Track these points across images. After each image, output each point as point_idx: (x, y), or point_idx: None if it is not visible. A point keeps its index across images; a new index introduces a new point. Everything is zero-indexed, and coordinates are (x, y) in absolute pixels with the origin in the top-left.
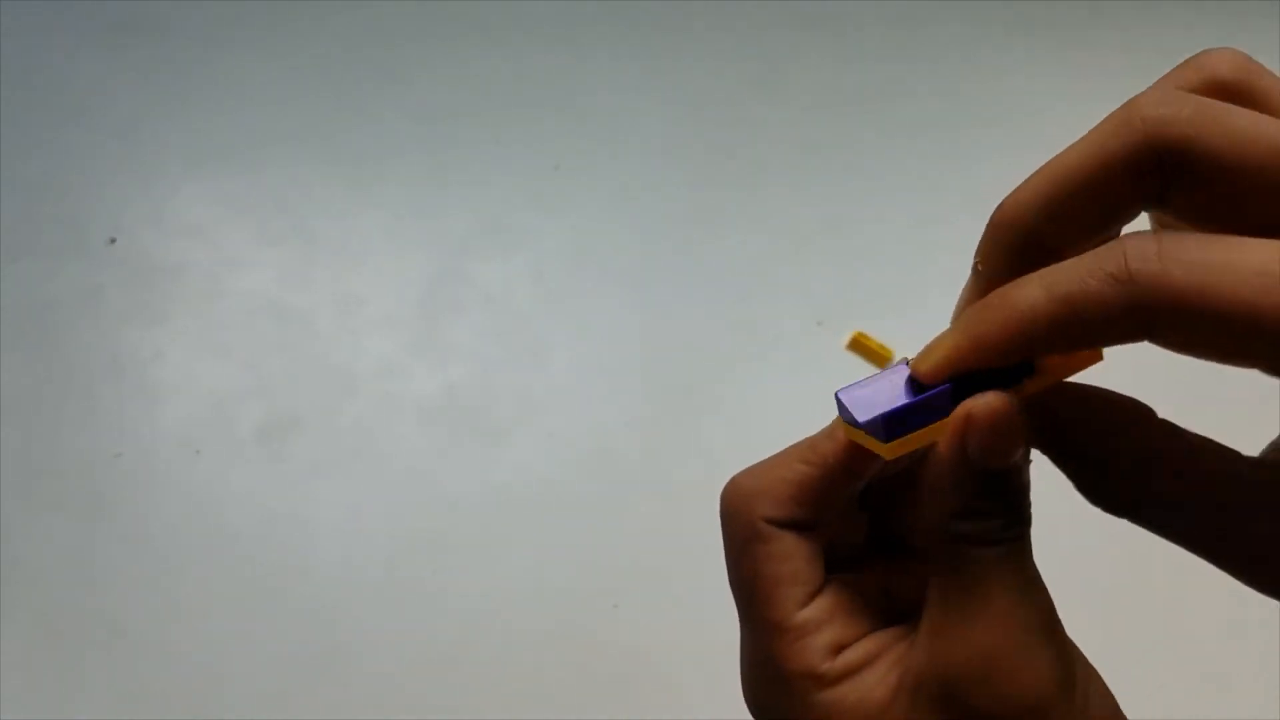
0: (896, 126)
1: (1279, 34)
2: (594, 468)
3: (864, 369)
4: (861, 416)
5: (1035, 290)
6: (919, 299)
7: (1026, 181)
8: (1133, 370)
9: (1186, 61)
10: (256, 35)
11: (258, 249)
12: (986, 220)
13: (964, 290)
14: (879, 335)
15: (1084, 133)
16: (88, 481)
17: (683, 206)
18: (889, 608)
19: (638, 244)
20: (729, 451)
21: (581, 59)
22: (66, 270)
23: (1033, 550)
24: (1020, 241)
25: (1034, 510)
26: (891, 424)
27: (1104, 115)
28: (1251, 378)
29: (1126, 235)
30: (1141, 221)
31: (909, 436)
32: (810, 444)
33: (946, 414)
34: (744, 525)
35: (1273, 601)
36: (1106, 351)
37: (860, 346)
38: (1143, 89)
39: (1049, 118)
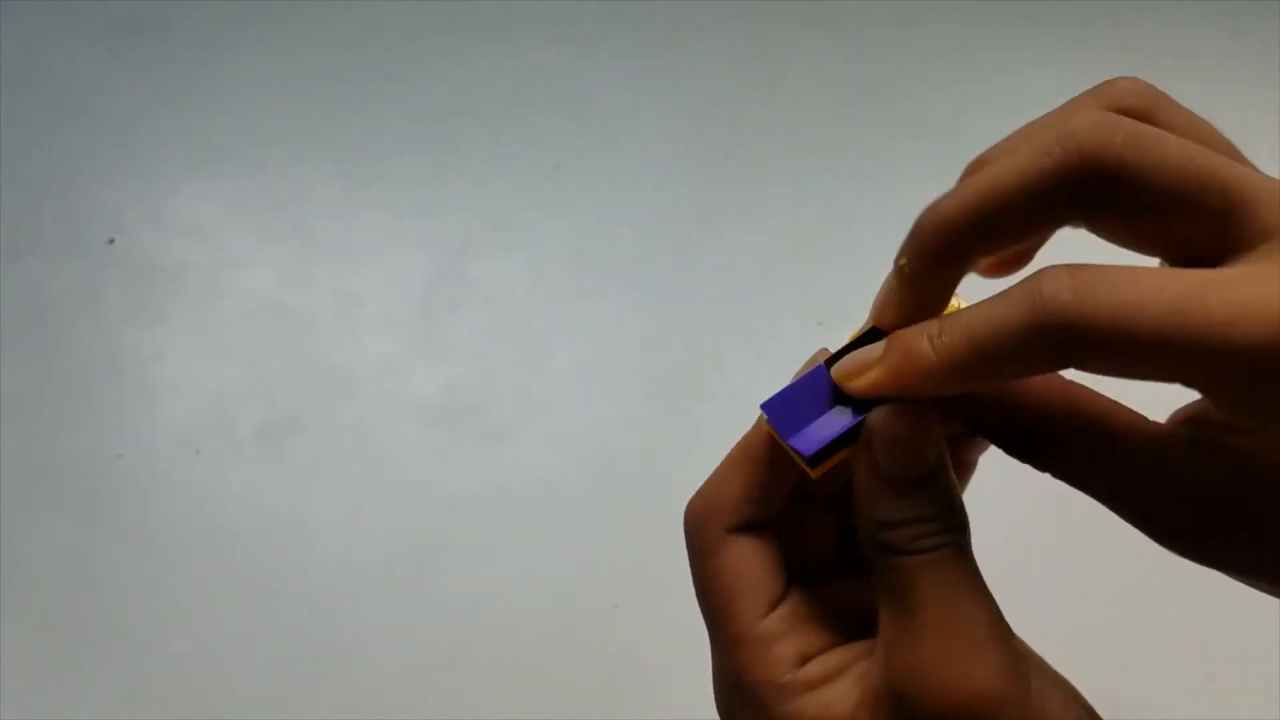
0: (897, 126)
1: (1279, 33)
2: (594, 468)
3: None
4: (794, 442)
5: (958, 340)
6: None
7: (956, 192)
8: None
9: (1097, 87)
10: (256, 35)
11: (258, 249)
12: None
13: (886, 283)
14: None
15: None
16: (88, 482)
17: (683, 206)
18: (858, 620)
19: (638, 244)
20: (729, 451)
21: (581, 59)
22: (66, 270)
23: (974, 553)
24: (946, 249)
25: (1034, 510)
26: (817, 457)
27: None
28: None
29: (1042, 271)
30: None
31: (833, 460)
32: (743, 445)
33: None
34: (698, 540)
35: (1273, 601)
36: None
37: None
38: None
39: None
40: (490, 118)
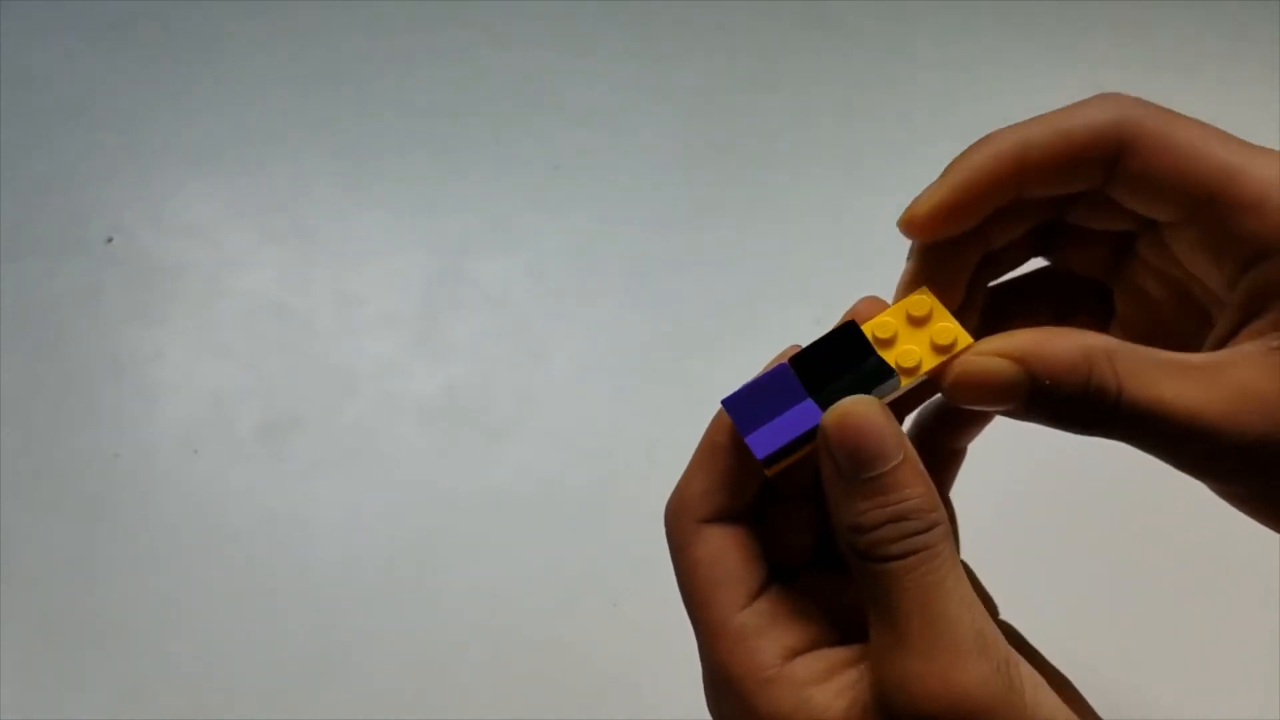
0: (897, 126)
1: (1279, 34)
2: (594, 467)
3: None
4: (750, 440)
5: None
6: None
7: (1012, 128)
8: None
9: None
10: (256, 35)
11: (258, 249)
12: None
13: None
14: None
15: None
16: (87, 481)
17: (683, 206)
18: (839, 614)
19: (638, 244)
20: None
21: (581, 59)
22: (66, 270)
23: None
24: (996, 173)
25: (1034, 512)
26: (771, 459)
27: None
28: None
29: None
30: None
31: (790, 459)
32: (707, 437)
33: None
34: (675, 537)
35: (1272, 600)
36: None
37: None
38: (1145, 90)
39: None
40: (490, 118)
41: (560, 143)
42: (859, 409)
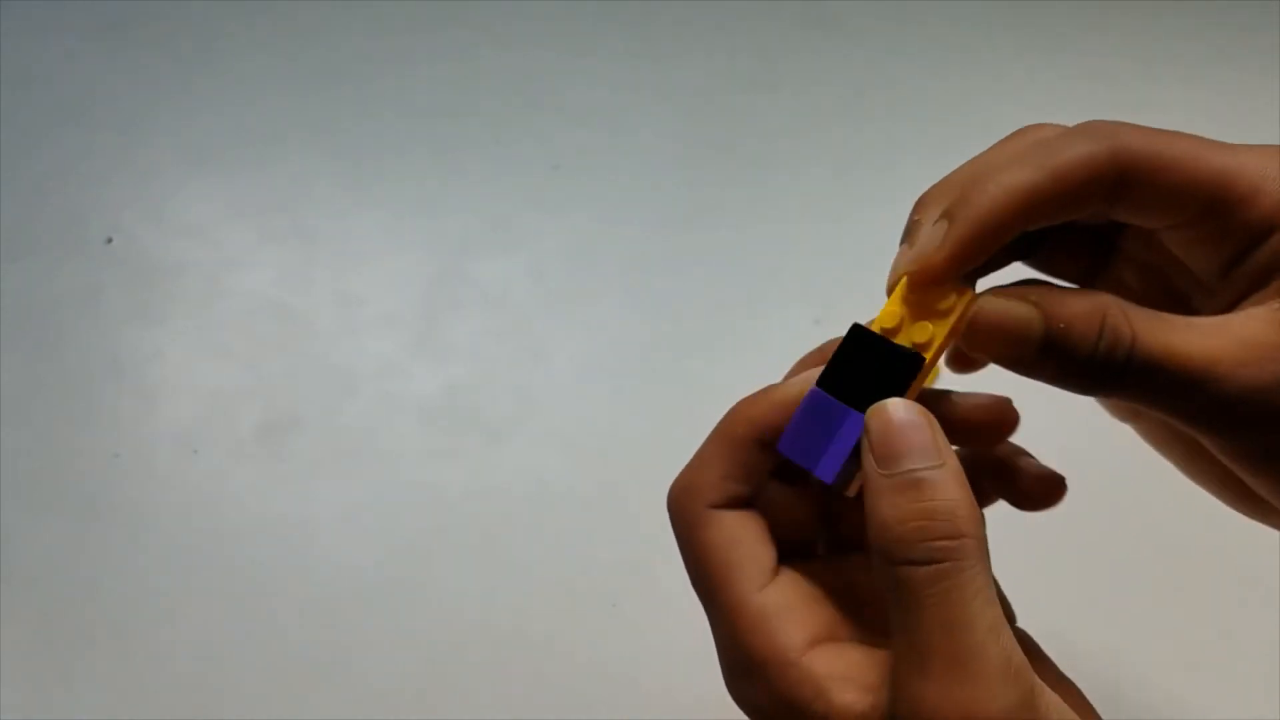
0: (897, 126)
1: (1278, 36)
2: (594, 467)
3: None
4: (818, 473)
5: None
6: None
7: (1008, 170)
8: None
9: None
10: (257, 35)
11: (258, 249)
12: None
13: (916, 245)
14: None
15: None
16: (86, 481)
17: (683, 206)
18: (850, 597)
19: (638, 244)
20: (707, 436)
21: (581, 59)
22: (66, 270)
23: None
24: (999, 217)
25: (1032, 518)
26: (840, 480)
27: (1100, 116)
28: None
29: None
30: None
31: (857, 478)
32: (722, 428)
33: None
34: (687, 519)
35: (1273, 599)
36: None
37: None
38: (1143, 91)
39: (1049, 116)
40: (490, 118)
41: (560, 143)
42: (894, 403)
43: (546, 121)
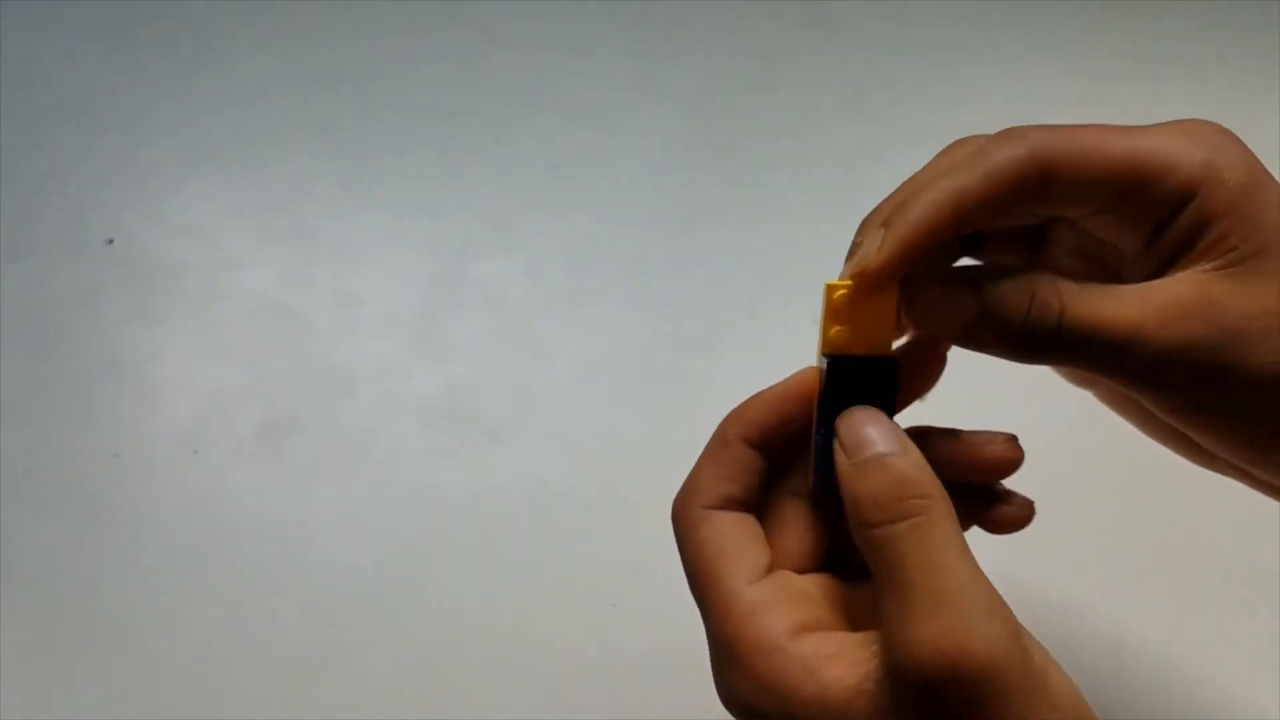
0: (897, 126)
1: (1278, 38)
2: (594, 467)
3: None
4: (819, 489)
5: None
6: None
7: (935, 183)
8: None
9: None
10: (256, 35)
11: (258, 249)
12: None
13: (868, 242)
14: None
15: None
16: (86, 481)
17: (683, 206)
18: (847, 613)
19: (638, 244)
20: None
21: (581, 59)
22: (66, 270)
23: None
24: (933, 230)
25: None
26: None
27: (1101, 117)
28: None
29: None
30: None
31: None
32: (717, 434)
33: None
34: (681, 521)
35: (1274, 601)
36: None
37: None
38: (1144, 92)
39: (1048, 117)
40: (490, 118)
41: (560, 143)
42: (856, 409)
43: (546, 121)
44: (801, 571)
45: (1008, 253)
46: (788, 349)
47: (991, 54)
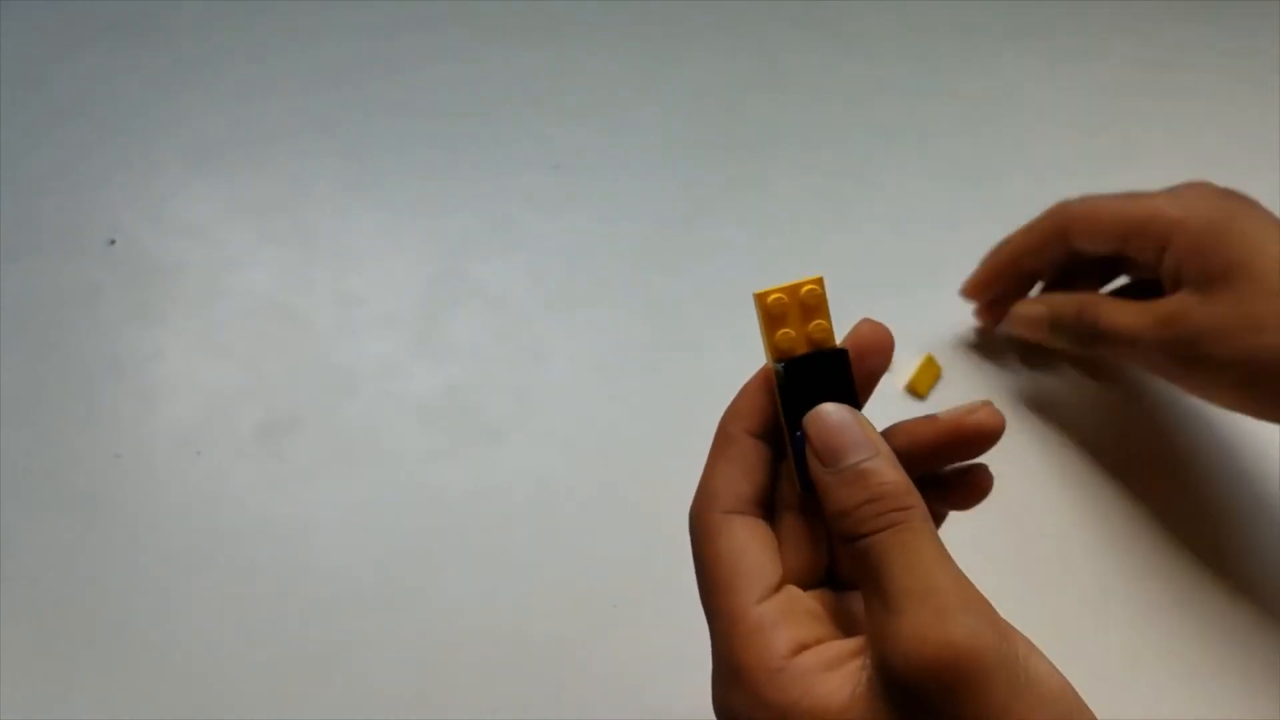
0: (898, 127)
1: (1279, 35)
2: (594, 467)
3: None
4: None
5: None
6: (916, 297)
7: (1007, 242)
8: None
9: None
10: (257, 35)
11: (258, 249)
12: (978, 226)
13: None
14: None
15: (1076, 130)
16: (87, 482)
17: (683, 206)
18: (844, 620)
19: (638, 243)
20: (708, 451)
21: (581, 59)
22: (66, 270)
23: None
24: (1005, 268)
25: (1037, 525)
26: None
27: (1098, 117)
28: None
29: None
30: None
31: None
32: (720, 429)
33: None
34: (700, 526)
35: (1274, 598)
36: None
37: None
38: (1145, 93)
39: (1048, 118)
40: (490, 117)
41: (560, 143)
42: (828, 408)
43: (546, 121)
44: (804, 586)
45: (1093, 280)
46: None
47: (992, 55)
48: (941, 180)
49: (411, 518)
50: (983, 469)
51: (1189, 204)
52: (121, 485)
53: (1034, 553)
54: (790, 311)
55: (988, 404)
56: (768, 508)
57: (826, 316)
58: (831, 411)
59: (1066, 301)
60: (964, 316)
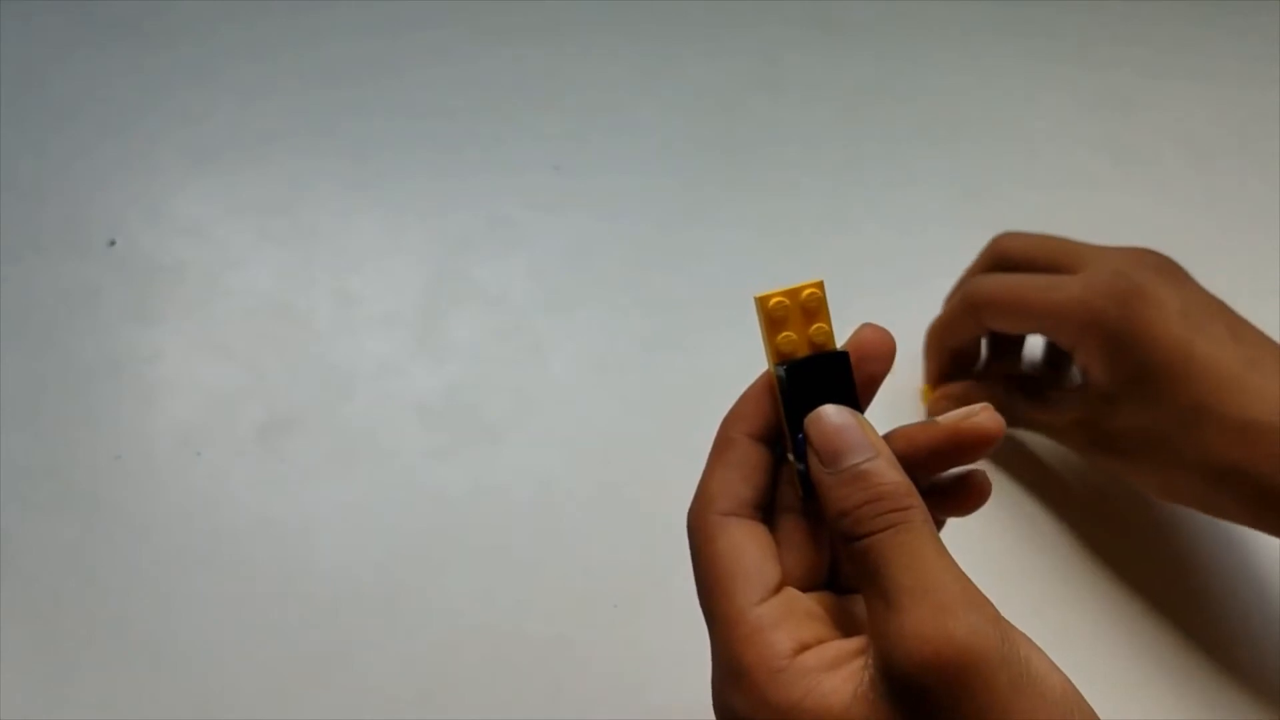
0: (898, 128)
1: (1278, 41)
2: (594, 467)
3: None
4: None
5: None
6: (916, 297)
7: (940, 320)
8: None
9: (986, 247)
10: (257, 35)
11: (258, 249)
12: (978, 227)
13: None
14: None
15: (1076, 131)
16: (88, 482)
17: (683, 206)
18: (844, 622)
19: (638, 243)
20: (708, 453)
21: (581, 59)
22: (66, 270)
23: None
24: (941, 341)
25: (1041, 529)
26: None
27: (1098, 117)
28: None
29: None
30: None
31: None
32: (720, 433)
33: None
34: (698, 528)
35: (1273, 599)
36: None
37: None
38: (1145, 93)
39: (1048, 119)
40: (490, 117)
41: (560, 143)
42: (829, 410)
43: (546, 121)
44: (804, 588)
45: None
46: None
47: (993, 55)
48: (941, 180)
49: (411, 518)
50: (980, 474)
51: (1102, 295)
52: (121, 485)
53: (1035, 552)
54: (791, 315)
55: (986, 408)
56: (766, 511)
57: (827, 320)
58: (833, 413)
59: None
60: None
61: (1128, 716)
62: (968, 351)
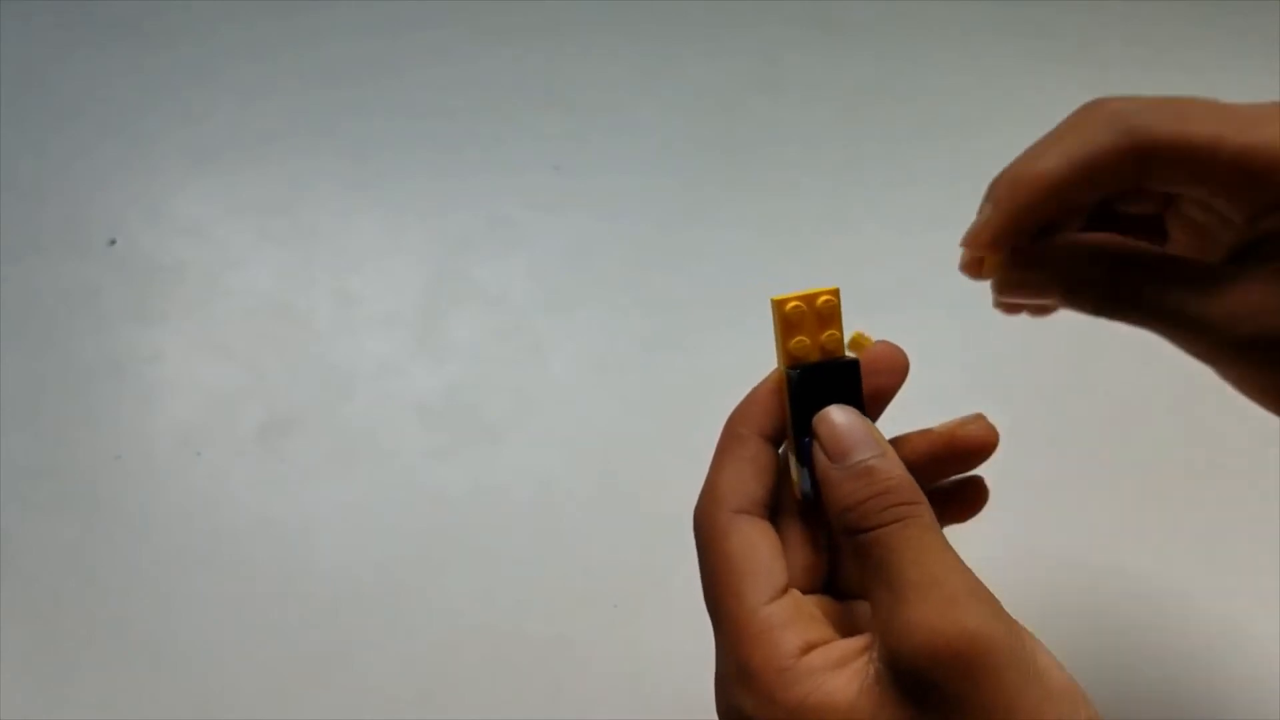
0: (899, 128)
1: (1278, 41)
2: (594, 467)
3: None
4: (803, 491)
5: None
6: (917, 298)
7: (1042, 156)
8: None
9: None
10: (257, 35)
11: (258, 249)
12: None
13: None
14: (876, 333)
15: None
16: (88, 482)
17: (683, 206)
18: (847, 626)
19: (638, 243)
20: (714, 451)
21: (581, 59)
22: (66, 270)
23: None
24: (1039, 199)
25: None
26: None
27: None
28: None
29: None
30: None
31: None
32: (727, 429)
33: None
34: (707, 525)
35: (1274, 600)
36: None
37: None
38: (1145, 91)
39: (1048, 118)
40: (490, 117)
41: (560, 143)
42: (837, 409)
43: (546, 121)
44: (803, 591)
45: (1135, 225)
46: None
47: (993, 55)
48: (941, 180)
49: (411, 518)
50: (978, 481)
51: None
52: (121, 485)
53: (1032, 555)
54: (806, 319)
55: (980, 417)
56: (773, 511)
57: (839, 327)
58: (841, 413)
59: (1096, 255)
60: (965, 316)
61: (1128, 716)
62: (1064, 214)
